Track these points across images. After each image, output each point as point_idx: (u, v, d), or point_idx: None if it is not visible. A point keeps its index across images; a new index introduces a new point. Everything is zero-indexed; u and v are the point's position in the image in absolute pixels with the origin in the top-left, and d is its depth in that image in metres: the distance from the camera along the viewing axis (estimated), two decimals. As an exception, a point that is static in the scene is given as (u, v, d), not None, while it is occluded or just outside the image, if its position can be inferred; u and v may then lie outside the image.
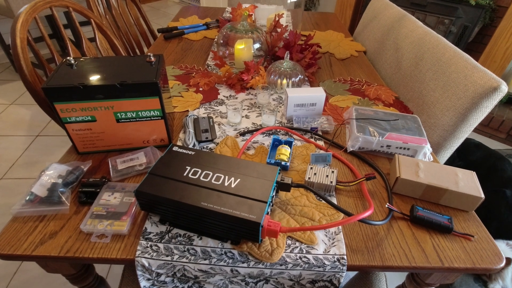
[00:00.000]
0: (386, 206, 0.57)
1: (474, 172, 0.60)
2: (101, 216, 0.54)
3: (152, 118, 0.65)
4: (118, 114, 0.63)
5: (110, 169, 0.63)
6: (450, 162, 1.35)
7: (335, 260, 0.50)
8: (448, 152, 0.83)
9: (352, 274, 0.72)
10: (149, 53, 0.68)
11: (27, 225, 0.53)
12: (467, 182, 0.58)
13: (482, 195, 0.56)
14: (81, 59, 0.65)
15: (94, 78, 0.59)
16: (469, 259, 0.51)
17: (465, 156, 1.36)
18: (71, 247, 0.51)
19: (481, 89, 0.71)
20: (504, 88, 0.69)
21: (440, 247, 0.52)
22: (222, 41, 1.06)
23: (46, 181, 0.58)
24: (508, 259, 0.99)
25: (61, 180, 0.58)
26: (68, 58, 0.62)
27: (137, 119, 0.65)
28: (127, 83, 0.58)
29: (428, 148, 0.67)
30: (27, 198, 0.55)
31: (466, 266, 0.50)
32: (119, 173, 0.63)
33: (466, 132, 0.78)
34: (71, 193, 0.59)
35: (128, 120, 0.64)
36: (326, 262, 0.49)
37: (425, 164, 0.62)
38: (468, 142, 1.41)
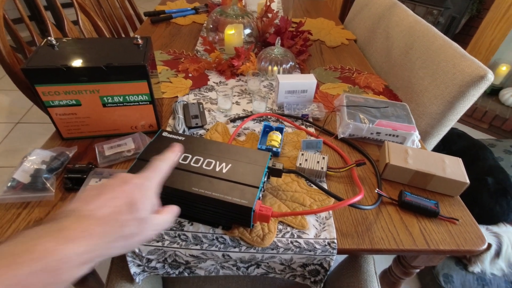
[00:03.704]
0: (376, 191, 0.58)
1: (460, 159, 0.62)
2: (88, 202, 0.52)
3: (140, 102, 0.63)
4: (105, 98, 0.61)
5: (97, 155, 0.61)
6: (435, 150, 1.38)
7: (326, 244, 0.50)
8: (435, 139, 0.84)
9: (342, 257, 0.74)
10: (136, 35, 0.65)
11: (9, 212, 0.51)
12: (454, 168, 0.59)
13: (468, 181, 0.57)
14: (63, 40, 0.62)
15: (78, 60, 0.56)
16: (454, 242, 0.52)
17: (449, 146, 1.40)
18: (57, 234, 0.49)
19: (469, 78, 0.72)
20: (491, 77, 0.70)
21: (426, 230, 0.54)
22: (211, 26, 1.03)
23: (29, 167, 0.56)
24: (488, 244, 1.03)
25: (45, 166, 0.56)
26: (49, 38, 0.59)
27: (124, 104, 0.63)
28: (114, 66, 0.56)
29: (416, 135, 0.68)
30: (8, 185, 0.53)
31: (451, 248, 0.51)
32: (107, 159, 0.61)
33: (453, 120, 0.79)
34: (56, 179, 0.57)
35: (115, 104, 0.62)
36: (317, 246, 0.50)
37: (414, 150, 0.63)
38: (451, 132, 1.44)
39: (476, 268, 1.05)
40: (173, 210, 0.37)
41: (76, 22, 0.99)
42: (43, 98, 0.57)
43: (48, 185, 0.54)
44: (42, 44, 0.60)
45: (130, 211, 0.30)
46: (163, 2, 1.44)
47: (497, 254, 1.02)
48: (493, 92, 2.02)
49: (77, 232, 0.26)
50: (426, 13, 2.07)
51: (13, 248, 0.23)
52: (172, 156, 0.38)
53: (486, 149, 1.35)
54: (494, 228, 1.06)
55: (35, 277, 0.23)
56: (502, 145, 1.54)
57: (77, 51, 0.59)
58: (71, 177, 0.56)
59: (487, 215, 1.13)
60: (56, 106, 0.59)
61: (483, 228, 1.06)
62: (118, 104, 0.62)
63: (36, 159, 0.57)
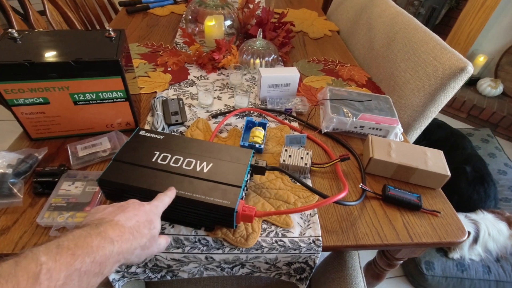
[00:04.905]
0: (360, 186, 0.58)
1: (442, 151, 0.62)
2: (60, 207, 0.49)
3: (115, 100, 0.60)
4: (75, 96, 0.57)
5: (70, 156, 0.58)
6: (416, 141, 1.41)
7: (311, 242, 0.50)
8: (417, 132, 0.85)
9: (327, 253, 0.74)
10: (108, 28, 0.61)
11: (-27, 221, 0.48)
12: (435, 161, 0.60)
13: (449, 173, 0.58)
14: (27, 32, 0.57)
15: (44, 54, 0.52)
16: (436, 234, 0.53)
17: (429, 136, 1.43)
18: (27, 242, 0.46)
19: (449, 70, 0.73)
20: (470, 69, 0.71)
21: (409, 224, 0.54)
22: (191, 17, 0.99)
23: (-7, 171, 0.52)
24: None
25: (11, 170, 0.52)
26: (9, 30, 0.54)
27: (98, 101, 0.59)
28: (83, 61, 0.52)
29: (399, 129, 0.68)
30: (-29, 191, 0.49)
31: (433, 241, 0.52)
32: (80, 160, 0.58)
33: (434, 112, 0.80)
34: (25, 184, 0.53)
35: (88, 102, 0.58)
36: (302, 245, 0.49)
37: (397, 144, 0.63)
38: (431, 122, 1.47)
39: (455, 255, 1.08)
40: (167, 238, 0.43)
41: (43, 13, 0.92)
42: (6, 97, 0.53)
43: (15, 190, 0.50)
44: (2, 37, 0.55)
45: (149, 227, 0.37)
46: (139, -9, 1.38)
47: (475, 240, 1.06)
48: (471, 82, 2.07)
49: (114, 236, 0.32)
50: (407, 3, 2.08)
51: (67, 243, 0.29)
52: (173, 193, 0.44)
53: (465, 138, 1.39)
54: (472, 215, 1.09)
55: (88, 267, 0.28)
56: (479, 134, 1.59)
57: (42, 44, 0.55)
58: (41, 181, 0.52)
59: (466, 203, 1.17)
60: (21, 105, 0.55)
61: (461, 216, 1.09)
62: (91, 102, 0.58)
63: (1, 162, 0.53)
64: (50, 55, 0.52)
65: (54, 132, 0.61)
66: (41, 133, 0.61)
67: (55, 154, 0.60)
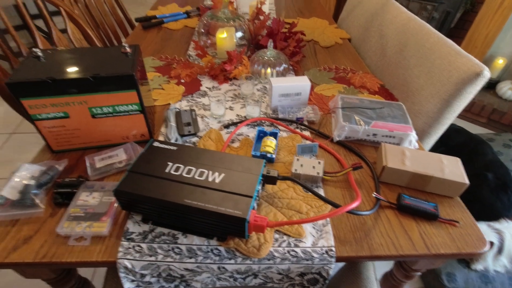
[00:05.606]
0: (373, 195, 0.57)
1: (459, 159, 0.61)
2: (79, 217, 0.51)
3: (130, 112, 0.62)
4: (93, 109, 0.59)
5: (88, 167, 0.60)
6: (433, 148, 1.37)
7: (324, 252, 0.49)
8: (433, 138, 0.83)
9: (341, 264, 0.73)
10: (124, 44, 0.64)
11: (-2, 231, 0.50)
12: (452, 169, 0.58)
13: (467, 181, 0.56)
14: (49, 51, 0.60)
15: (64, 71, 0.55)
16: (455, 245, 0.51)
17: (447, 141, 1.39)
18: (47, 252, 0.48)
19: (465, 75, 0.71)
20: (487, 74, 0.69)
21: (426, 234, 0.53)
22: (203, 30, 1.02)
23: (17, 183, 0.54)
24: (490, 242, 1.02)
25: (34, 181, 0.55)
26: (34, 49, 0.57)
27: (114, 114, 0.61)
28: (101, 76, 0.55)
29: (413, 136, 0.67)
30: (-4, 202, 0.52)
31: (452, 252, 0.50)
32: (98, 171, 0.60)
33: (451, 118, 0.78)
34: (46, 194, 0.56)
35: (105, 115, 0.61)
36: (315, 255, 0.49)
37: (411, 152, 0.62)
38: (449, 127, 1.43)
39: (478, 266, 1.04)
40: None
41: (65, 30, 0.97)
42: (30, 112, 0.56)
43: (37, 201, 0.53)
44: (28, 56, 0.58)
45: None
46: (154, 6, 1.43)
47: (500, 250, 1.01)
48: (490, 85, 2.01)
49: None
50: (420, 8, 2.06)
51: None
52: None
53: (485, 144, 1.34)
54: (496, 224, 1.04)
55: None
56: (501, 139, 1.53)
57: (63, 62, 0.58)
58: (61, 191, 0.54)
59: (488, 211, 1.12)
60: (44, 119, 0.58)
61: (484, 225, 1.04)
62: (108, 115, 0.61)
63: (25, 174, 0.56)
64: (70, 72, 0.55)
65: (74, 144, 0.64)
66: (62, 145, 0.63)
67: (75, 165, 0.62)
